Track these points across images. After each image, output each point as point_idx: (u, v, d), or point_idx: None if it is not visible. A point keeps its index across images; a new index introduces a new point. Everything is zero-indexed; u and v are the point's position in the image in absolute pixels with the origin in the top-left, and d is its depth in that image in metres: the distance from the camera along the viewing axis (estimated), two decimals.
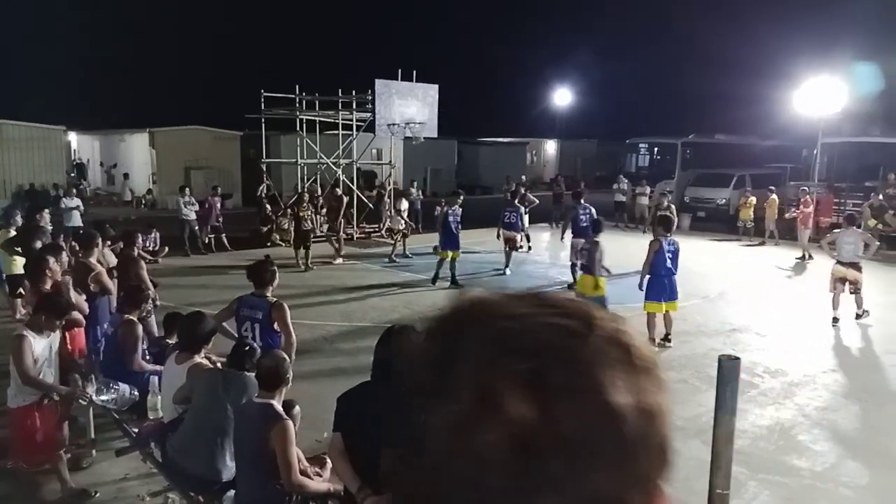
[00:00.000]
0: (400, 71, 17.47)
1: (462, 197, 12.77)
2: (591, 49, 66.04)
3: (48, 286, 5.74)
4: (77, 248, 7.27)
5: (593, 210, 11.76)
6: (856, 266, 9.78)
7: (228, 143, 26.41)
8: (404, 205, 15.85)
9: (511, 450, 0.49)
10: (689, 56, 55.22)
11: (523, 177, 22.37)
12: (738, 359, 3.49)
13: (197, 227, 15.37)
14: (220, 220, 16.12)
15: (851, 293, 9.88)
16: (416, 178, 24.26)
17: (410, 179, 22.67)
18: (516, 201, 14.12)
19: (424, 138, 18.35)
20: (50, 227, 9.87)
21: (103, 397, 4.99)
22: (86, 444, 5.56)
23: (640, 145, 25.92)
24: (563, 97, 42.04)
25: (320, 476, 4.07)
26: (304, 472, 3.88)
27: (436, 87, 18.01)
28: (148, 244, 11.98)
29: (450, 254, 12.12)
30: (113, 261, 7.61)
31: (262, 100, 18.70)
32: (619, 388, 0.51)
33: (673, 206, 15.29)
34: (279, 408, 3.85)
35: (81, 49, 54.97)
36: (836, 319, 9.89)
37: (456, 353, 0.53)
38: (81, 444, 5.56)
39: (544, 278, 13.27)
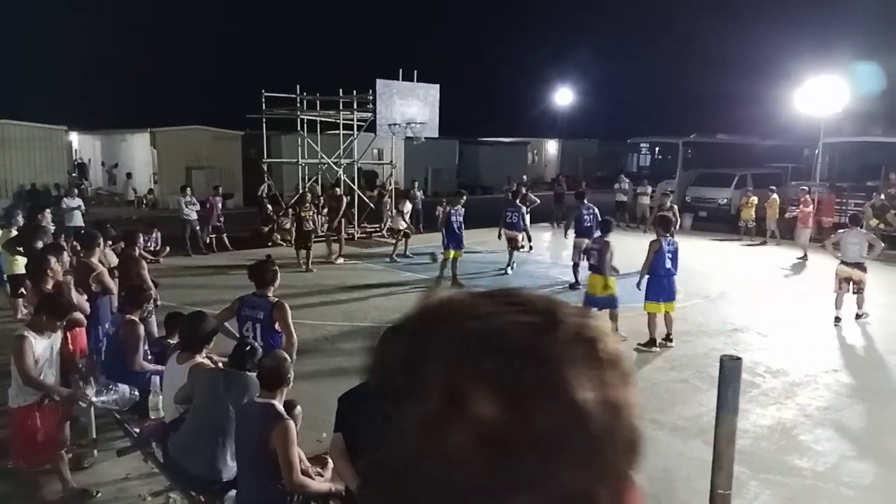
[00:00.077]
0: (401, 71, 17.51)
1: (465, 197, 12.76)
2: (591, 49, 65.94)
3: (49, 286, 5.73)
4: (78, 247, 7.27)
5: (597, 210, 11.74)
6: (861, 266, 9.75)
7: (229, 142, 26.42)
8: (408, 206, 15.84)
9: (480, 449, 0.48)
10: (689, 56, 55.32)
11: (524, 176, 22.37)
12: (739, 359, 3.49)
13: (198, 227, 15.35)
14: (222, 219, 16.11)
15: (854, 293, 9.87)
16: (417, 177, 24.23)
17: (412, 180, 22.66)
18: (517, 201, 14.15)
19: (425, 138, 18.36)
20: (51, 227, 9.90)
21: (103, 398, 5.00)
22: (87, 443, 5.56)
23: (642, 145, 25.91)
24: (563, 97, 41.99)
25: (321, 476, 4.07)
26: (305, 472, 3.88)
27: (437, 87, 18.01)
28: (149, 244, 11.98)
29: (452, 253, 12.13)
30: (114, 261, 7.62)
31: (263, 100, 18.68)
32: (584, 384, 0.51)
33: (676, 207, 15.24)
34: (280, 408, 3.85)
35: (82, 49, 55.06)
36: (838, 319, 9.88)
37: (424, 354, 0.52)
38: (83, 444, 5.56)
39: (546, 278, 13.25)
